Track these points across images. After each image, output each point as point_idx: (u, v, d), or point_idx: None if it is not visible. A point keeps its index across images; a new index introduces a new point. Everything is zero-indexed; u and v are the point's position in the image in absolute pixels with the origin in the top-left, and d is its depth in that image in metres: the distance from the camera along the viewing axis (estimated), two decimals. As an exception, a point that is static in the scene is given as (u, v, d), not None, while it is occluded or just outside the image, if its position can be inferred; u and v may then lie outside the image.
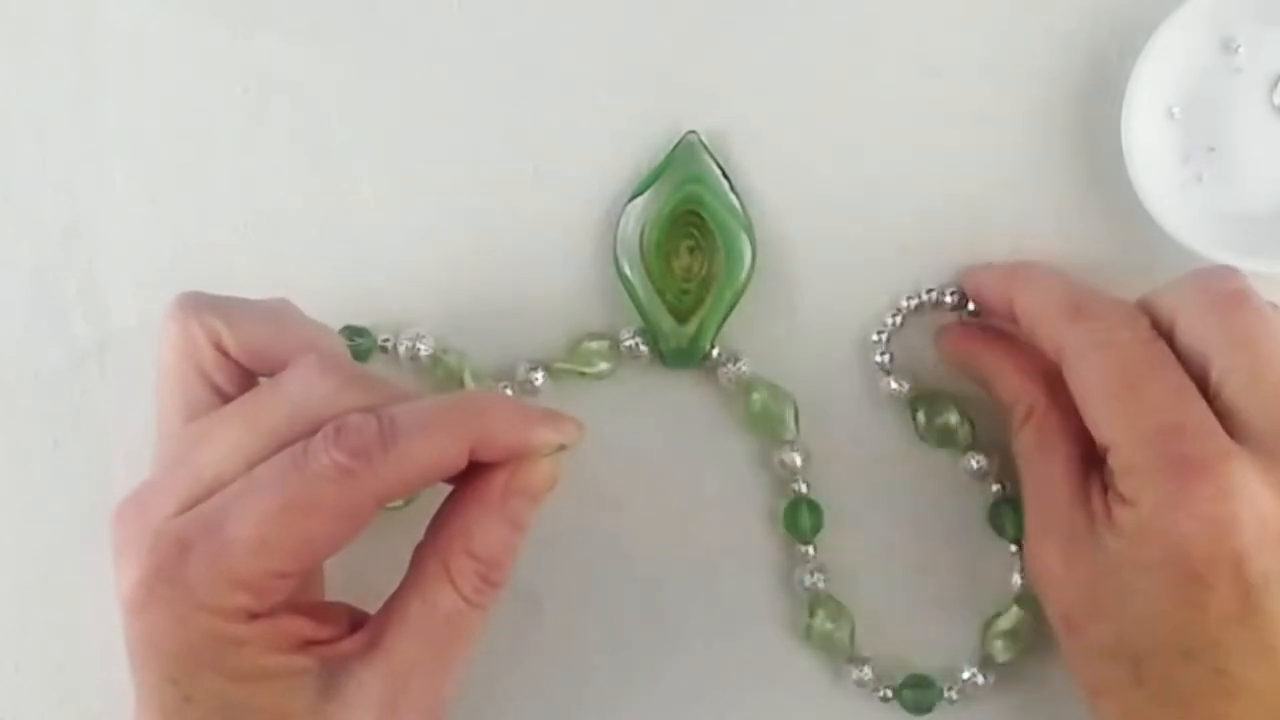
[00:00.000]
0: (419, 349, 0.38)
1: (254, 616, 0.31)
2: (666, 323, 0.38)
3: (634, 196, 0.38)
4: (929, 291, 0.38)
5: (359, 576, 0.34)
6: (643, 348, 0.39)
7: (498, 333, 0.39)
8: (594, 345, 0.39)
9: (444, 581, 0.32)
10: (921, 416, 0.38)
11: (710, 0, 0.39)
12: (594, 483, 0.37)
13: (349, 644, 0.32)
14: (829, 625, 0.38)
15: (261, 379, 0.34)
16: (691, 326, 0.38)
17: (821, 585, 0.38)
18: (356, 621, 0.33)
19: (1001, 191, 0.39)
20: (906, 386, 0.38)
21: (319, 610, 0.33)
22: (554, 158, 0.39)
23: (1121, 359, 0.33)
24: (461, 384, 0.38)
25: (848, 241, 0.39)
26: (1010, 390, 0.36)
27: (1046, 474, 0.35)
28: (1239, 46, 0.38)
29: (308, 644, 0.32)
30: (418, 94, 0.40)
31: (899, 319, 0.38)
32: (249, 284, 0.39)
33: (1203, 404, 0.32)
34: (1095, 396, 0.33)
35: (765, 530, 0.39)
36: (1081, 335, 0.34)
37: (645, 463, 0.39)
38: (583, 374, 0.39)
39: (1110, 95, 0.38)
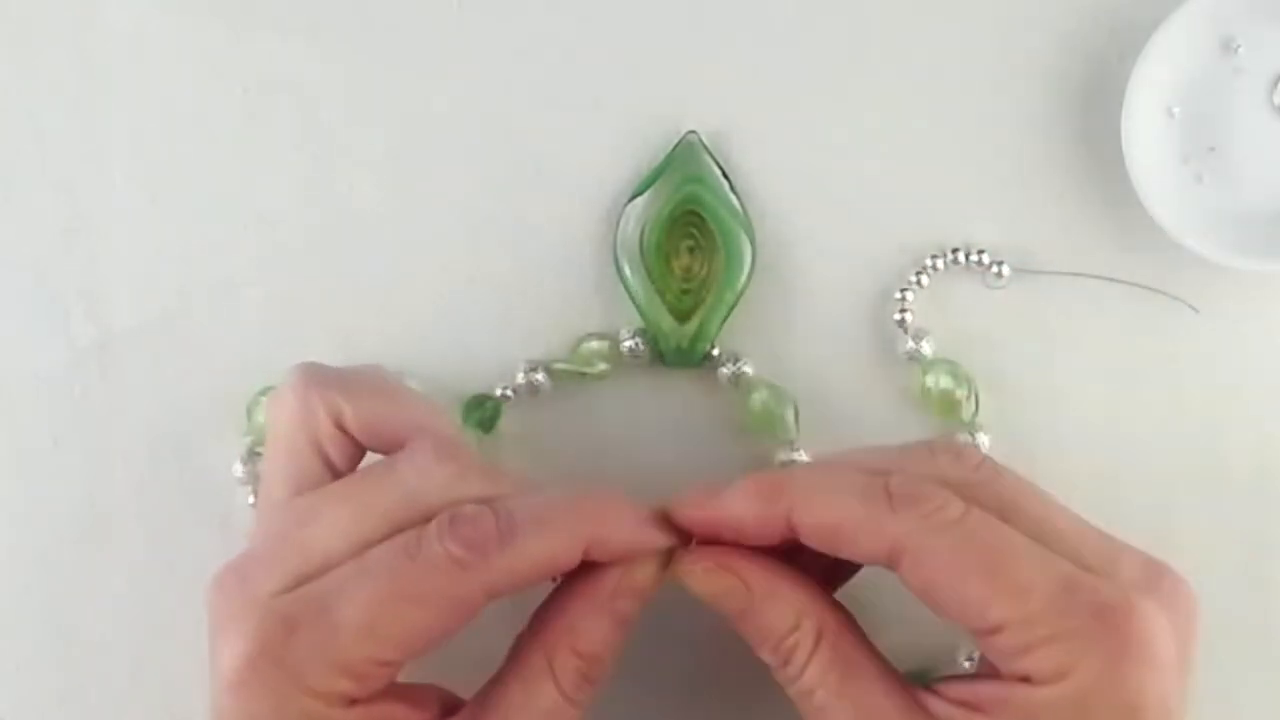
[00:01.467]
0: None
1: (353, 702, 0.30)
2: (666, 323, 0.38)
3: (634, 196, 0.38)
4: (954, 251, 0.38)
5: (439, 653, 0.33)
6: (643, 348, 0.39)
7: (498, 333, 0.39)
8: (594, 345, 0.39)
9: (547, 677, 0.32)
10: (930, 380, 0.38)
11: (710, 1, 0.39)
12: (594, 483, 0.37)
13: None
14: None
15: (370, 455, 0.34)
16: (691, 326, 0.38)
17: None
18: (446, 704, 0.33)
19: (1002, 191, 0.39)
20: (926, 348, 0.38)
21: (411, 693, 0.33)
22: (554, 158, 0.39)
23: (971, 536, 0.30)
24: None
25: (848, 241, 0.39)
26: (790, 613, 0.32)
27: (866, 700, 0.31)
28: (1239, 46, 0.38)
29: None
30: (418, 94, 0.40)
31: (921, 278, 0.38)
32: (249, 284, 0.40)
33: (1059, 557, 0.30)
34: (964, 581, 0.30)
35: (765, 530, 0.39)
36: (917, 524, 0.30)
37: (645, 463, 0.39)
38: (583, 374, 0.39)
39: (1110, 95, 0.38)
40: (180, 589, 0.39)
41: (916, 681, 0.38)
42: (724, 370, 0.39)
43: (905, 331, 0.39)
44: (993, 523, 0.30)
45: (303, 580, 0.30)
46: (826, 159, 0.39)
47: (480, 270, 0.39)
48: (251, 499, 0.39)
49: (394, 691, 0.32)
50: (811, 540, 0.31)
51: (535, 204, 0.39)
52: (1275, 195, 0.38)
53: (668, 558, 0.33)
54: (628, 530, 0.32)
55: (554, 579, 0.34)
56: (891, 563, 0.31)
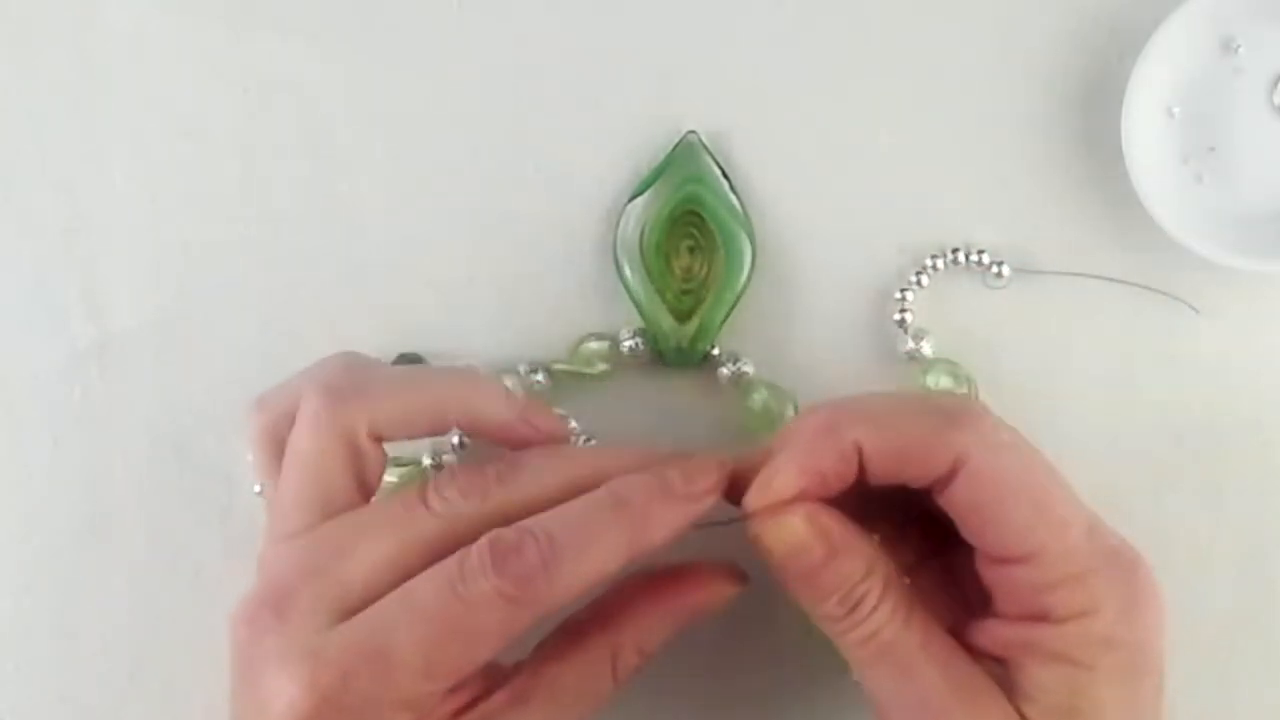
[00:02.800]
0: None
1: None
2: (666, 323, 0.38)
3: (634, 196, 0.38)
4: (954, 251, 0.38)
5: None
6: (643, 348, 0.39)
7: (498, 333, 0.39)
8: (594, 346, 0.39)
9: (607, 668, 0.33)
10: (930, 380, 0.38)
11: (710, 1, 0.39)
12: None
13: (495, 703, 0.32)
14: None
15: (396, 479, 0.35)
16: (691, 326, 0.38)
17: None
18: (489, 675, 0.33)
19: (1002, 191, 0.39)
20: (926, 348, 0.38)
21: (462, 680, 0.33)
22: (554, 158, 0.39)
23: (1025, 462, 0.31)
24: None
25: (848, 241, 0.39)
26: (863, 561, 0.31)
27: (930, 630, 0.31)
28: (1239, 46, 0.38)
29: (454, 715, 0.32)
30: (418, 94, 0.40)
31: (921, 278, 0.38)
32: (249, 284, 0.40)
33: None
34: (1015, 502, 0.31)
35: (765, 530, 0.39)
36: (978, 439, 0.31)
37: (645, 463, 0.39)
38: (583, 375, 0.39)
39: (1110, 95, 0.38)
40: (180, 589, 0.39)
41: None
42: (724, 370, 0.39)
43: (905, 331, 0.39)
44: (1038, 455, 0.32)
45: (345, 614, 0.30)
46: (826, 159, 0.39)
47: (480, 270, 0.39)
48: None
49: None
50: (877, 463, 0.31)
51: (535, 204, 0.39)
52: (1275, 195, 0.38)
53: (744, 578, 0.34)
54: (667, 525, 0.32)
55: None
56: (950, 475, 0.31)
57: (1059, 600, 0.30)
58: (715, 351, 0.39)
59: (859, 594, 0.31)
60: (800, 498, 0.32)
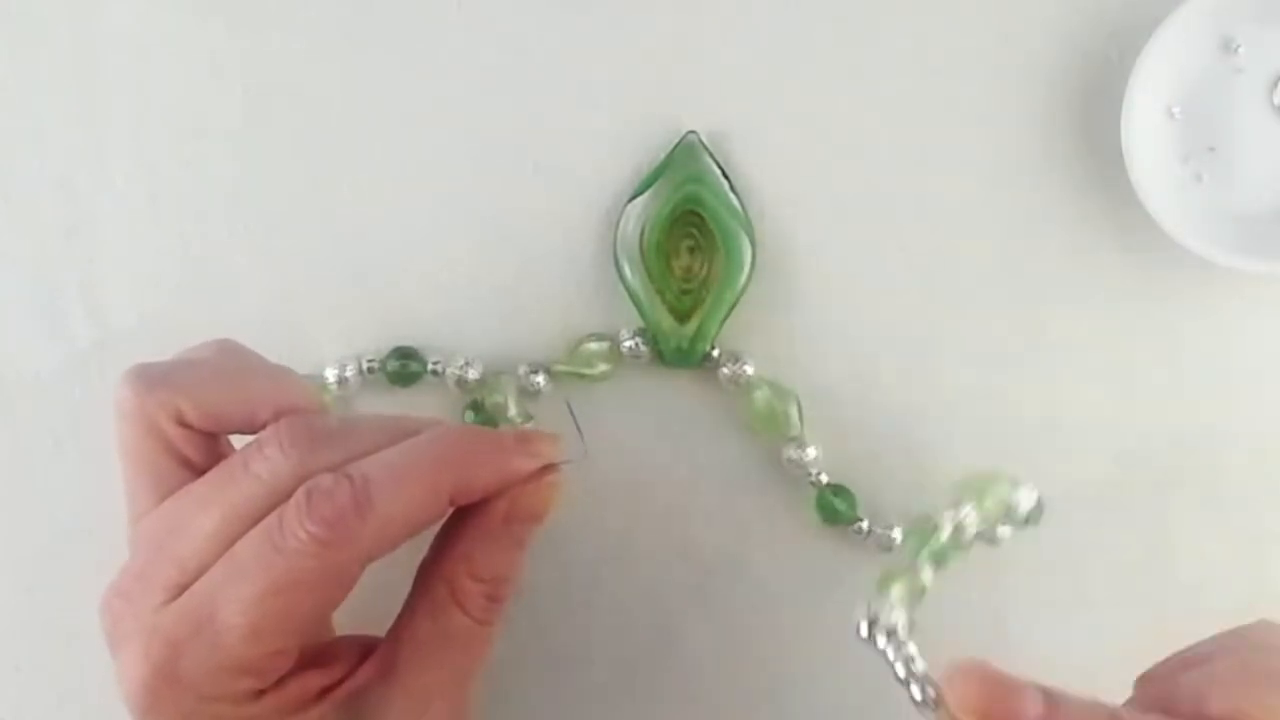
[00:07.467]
0: (468, 374, 0.38)
1: (262, 693, 0.30)
2: (666, 323, 0.38)
3: (634, 196, 0.38)
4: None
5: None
6: (643, 348, 0.39)
7: (498, 334, 0.39)
8: (594, 346, 0.39)
9: (452, 605, 0.32)
10: None
11: (710, 0, 0.39)
12: (594, 483, 0.37)
13: (362, 676, 0.32)
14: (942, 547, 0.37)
15: (232, 441, 0.33)
16: (691, 326, 0.38)
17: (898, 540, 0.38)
18: (363, 650, 0.33)
19: (1001, 191, 0.39)
20: None
21: (326, 653, 0.33)
22: (554, 157, 0.39)
23: None
24: (506, 410, 0.38)
25: (848, 241, 0.39)
26: None
27: None
28: (1239, 46, 0.38)
29: (322, 694, 0.32)
30: (417, 94, 0.40)
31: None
32: (249, 284, 0.40)
33: None
34: None
35: (765, 529, 0.39)
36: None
37: (645, 463, 0.39)
38: (583, 375, 0.39)
39: (1110, 95, 0.38)
40: (180, 589, 0.39)
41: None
42: (724, 370, 0.39)
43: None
44: None
45: (180, 590, 0.30)
46: (826, 159, 0.39)
47: (480, 271, 0.39)
48: None
49: (305, 660, 0.31)
50: None
51: (535, 204, 0.39)
52: (1275, 195, 0.38)
53: (555, 480, 0.33)
54: (488, 469, 0.32)
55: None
56: None
57: None
58: (715, 352, 0.39)
59: None
60: None
